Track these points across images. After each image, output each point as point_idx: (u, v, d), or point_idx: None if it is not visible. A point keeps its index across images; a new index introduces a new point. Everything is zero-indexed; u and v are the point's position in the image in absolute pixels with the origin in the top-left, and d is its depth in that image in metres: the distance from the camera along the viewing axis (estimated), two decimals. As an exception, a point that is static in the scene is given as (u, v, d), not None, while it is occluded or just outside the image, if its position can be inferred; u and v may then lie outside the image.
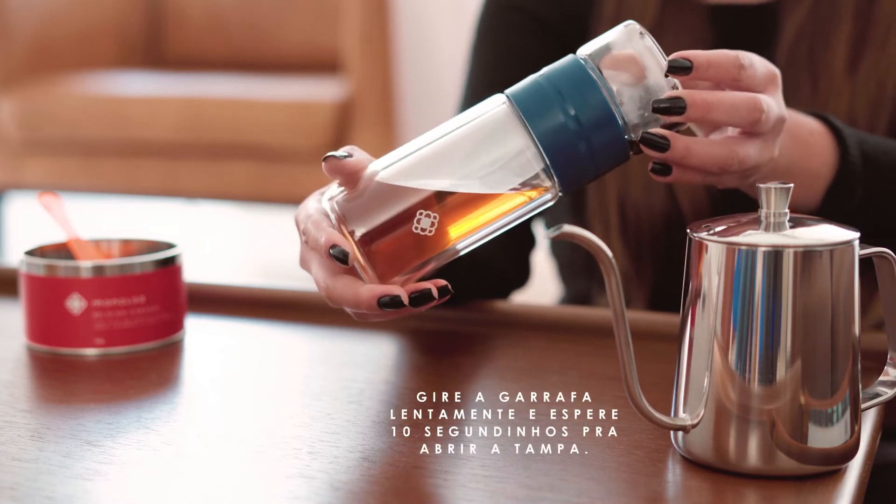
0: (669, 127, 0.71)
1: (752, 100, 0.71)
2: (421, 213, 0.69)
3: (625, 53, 0.70)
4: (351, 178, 0.71)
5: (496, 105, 0.71)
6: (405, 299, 0.69)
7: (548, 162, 0.69)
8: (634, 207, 1.03)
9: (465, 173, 0.70)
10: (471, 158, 0.70)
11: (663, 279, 1.05)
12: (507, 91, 0.71)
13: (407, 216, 0.69)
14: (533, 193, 0.70)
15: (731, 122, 0.71)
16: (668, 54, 0.72)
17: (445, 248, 0.70)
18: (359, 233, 0.70)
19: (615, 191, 1.04)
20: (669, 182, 0.73)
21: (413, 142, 0.72)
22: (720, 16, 1.03)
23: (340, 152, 0.72)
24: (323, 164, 0.72)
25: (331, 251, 0.69)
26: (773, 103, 0.73)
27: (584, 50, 0.71)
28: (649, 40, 0.70)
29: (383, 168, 0.71)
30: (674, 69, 0.69)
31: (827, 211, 0.86)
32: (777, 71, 0.75)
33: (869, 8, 0.99)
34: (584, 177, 0.70)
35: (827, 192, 0.85)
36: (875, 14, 0.99)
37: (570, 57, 0.71)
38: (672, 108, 0.69)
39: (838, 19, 1.00)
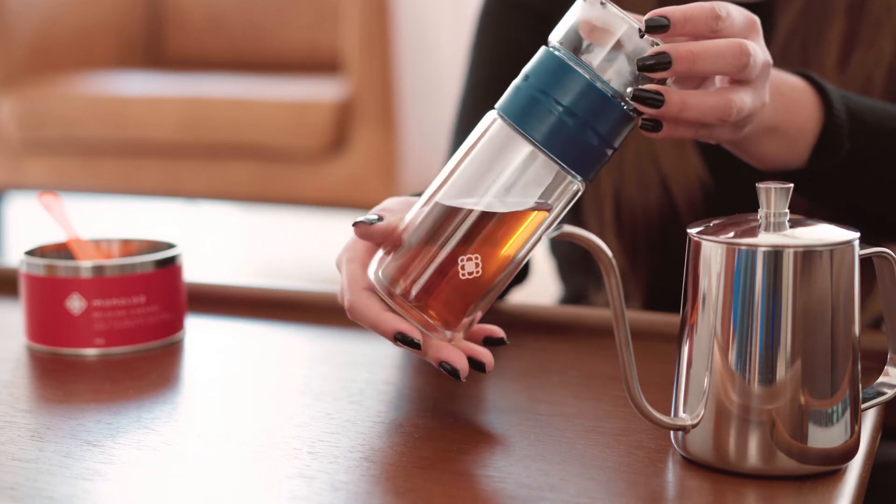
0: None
1: (736, 45, 0.70)
2: (462, 260, 0.70)
3: (594, 26, 0.69)
4: (386, 241, 0.72)
5: (490, 124, 0.71)
6: (463, 373, 0.72)
7: (559, 162, 0.69)
8: (629, 203, 1.04)
9: (486, 203, 0.70)
10: (487, 187, 0.70)
11: (659, 275, 1.05)
12: (497, 105, 0.71)
13: (449, 266, 0.70)
14: (558, 195, 0.70)
15: (718, 69, 0.70)
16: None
17: (498, 277, 0.71)
18: (413, 296, 0.71)
19: (610, 187, 1.04)
20: (660, 138, 0.72)
21: (427, 190, 0.72)
22: None
23: (371, 216, 0.73)
24: (353, 229, 0.73)
25: (396, 337, 0.72)
26: (757, 48, 0.72)
27: (554, 37, 0.70)
28: (612, 7, 0.69)
29: (409, 219, 0.72)
30: (651, 28, 0.69)
31: (816, 167, 0.85)
32: (756, 18, 0.74)
33: (860, 6, 1.00)
34: (600, 159, 0.70)
35: (814, 148, 0.85)
36: (866, 12, 1.00)
37: (542, 50, 0.71)
38: (658, 63, 0.68)
39: (831, 17, 1.00)
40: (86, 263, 0.90)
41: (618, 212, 1.04)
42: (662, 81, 0.70)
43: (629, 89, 0.69)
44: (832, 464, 0.66)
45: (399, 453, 0.70)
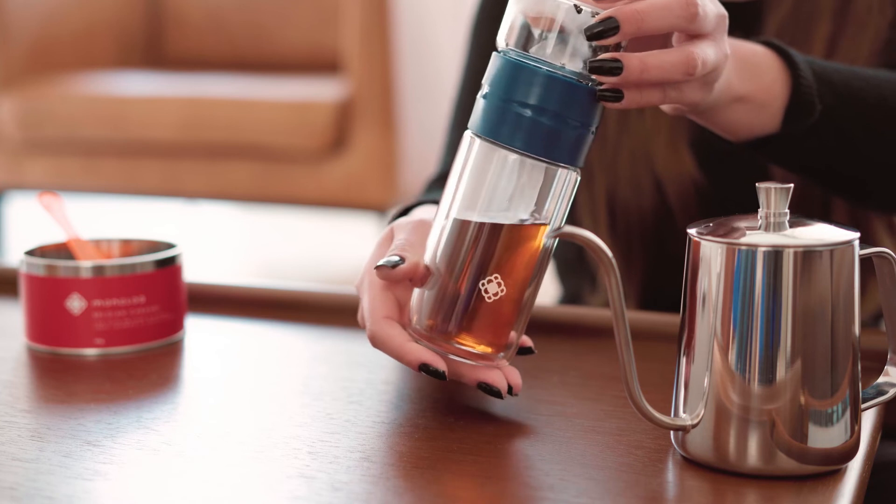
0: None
1: None
2: (483, 284, 0.70)
3: (533, 18, 0.68)
4: (414, 279, 0.72)
5: (470, 145, 0.71)
6: (445, 371, 0.72)
7: (546, 160, 0.69)
8: (623, 204, 1.04)
9: (490, 219, 0.70)
10: (486, 206, 0.70)
11: (654, 274, 1.06)
12: (469, 126, 0.71)
13: (473, 293, 0.71)
14: (557, 190, 0.70)
15: (667, 23, 0.69)
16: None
17: (525, 287, 0.71)
18: (450, 333, 0.71)
19: (603, 188, 1.04)
20: (627, 107, 0.70)
21: (435, 226, 0.72)
22: None
23: (392, 258, 0.73)
24: (375, 273, 0.73)
25: (421, 369, 0.72)
26: (708, 49, 0.71)
27: (500, 40, 0.70)
28: None
29: (427, 259, 0.72)
30: (593, 36, 0.68)
31: (790, 131, 0.84)
32: None
33: (845, 7, 1.00)
34: (584, 142, 0.70)
35: (786, 111, 0.83)
36: (849, 13, 1.00)
37: (493, 57, 0.70)
38: (606, 29, 0.67)
39: (818, 18, 1.00)
40: (86, 263, 0.90)
41: (612, 212, 1.05)
42: (617, 48, 0.69)
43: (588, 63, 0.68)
44: (832, 464, 0.66)
45: (399, 453, 0.70)
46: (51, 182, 2.98)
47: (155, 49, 3.49)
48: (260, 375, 0.87)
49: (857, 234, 0.66)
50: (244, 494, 0.65)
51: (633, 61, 0.68)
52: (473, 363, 0.72)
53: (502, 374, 0.73)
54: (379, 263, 0.73)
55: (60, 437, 0.73)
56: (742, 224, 0.67)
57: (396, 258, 0.73)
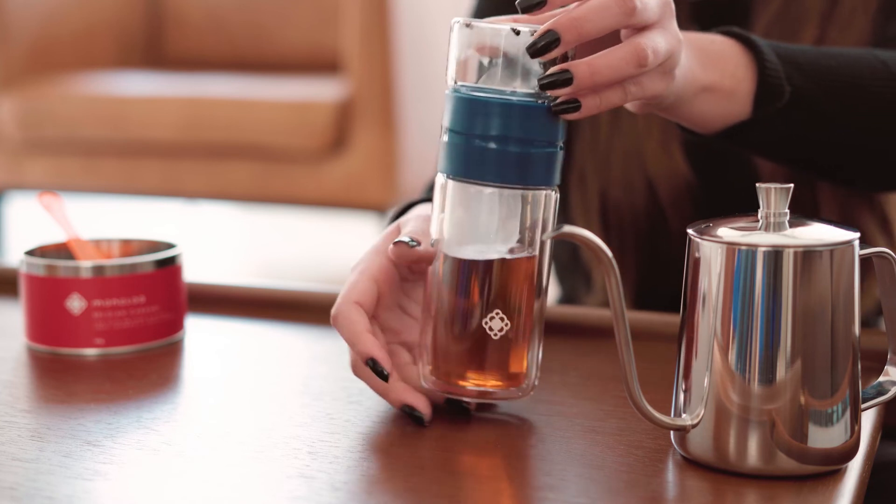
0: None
1: None
2: (486, 323, 0.70)
3: (474, 50, 0.68)
4: (421, 262, 0.73)
5: (444, 186, 0.71)
6: (426, 417, 0.73)
7: (521, 187, 0.69)
8: (616, 205, 1.04)
9: (478, 256, 0.70)
10: (473, 242, 0.70)
11: (647, 274, 1.06)
12: (439, 168, 0.71)
13: (479, 334, 0.71)
14: (539, 211, 0.70)
15: (608, 22, 0.68)
16: None
17: (531, 314, 0.71)
18: (469, 378, 0.71)
19: (596, 190, 1.04)
20: (588, 114, 0.69)
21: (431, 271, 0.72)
22: (699, 11, 1.04)
23: (410, 239, 0.72)
24: (392, 249, 0.73)
25: (367, 363, 0.73)
26: (659, 38, 0.70)
27: (449, 77, 0.70)
28: (478, 23, 0.68)
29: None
30: (526, 8, 0.68)
31: (761, 116, 0.83)
32: None
33: (830, 10, 1.00)
34: (555, 161, 0.69)
35: (755, 96, 0.82)
36: (834, 16, 0.99)
37: (447, 96, 0.70)
38: (548, 43, 0.67)
39: (805, 21, 1.00)
40: (86, 263, 0.90)
41: (604, 213, 1.05)
42: (565, 59, 0.68)
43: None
44: (832, 464, 0.66)
45: (399, 453, 0.70)
46: (51, 182, 2.98)
47: (155, 49, 3.49)
48: (260, 375, 0.87)
49: (857, 234, 0.66)
50: (244, 494, 0.65)
51: (581, 67, 0.67)
52: (492, 402, 0.72)
53: (427, 400, 0.74)
54: (398, 240, 0.73)
55: (60, 437, 0.73)
56: (742, 224, 0.67)
57: (414, 241, 0.72)
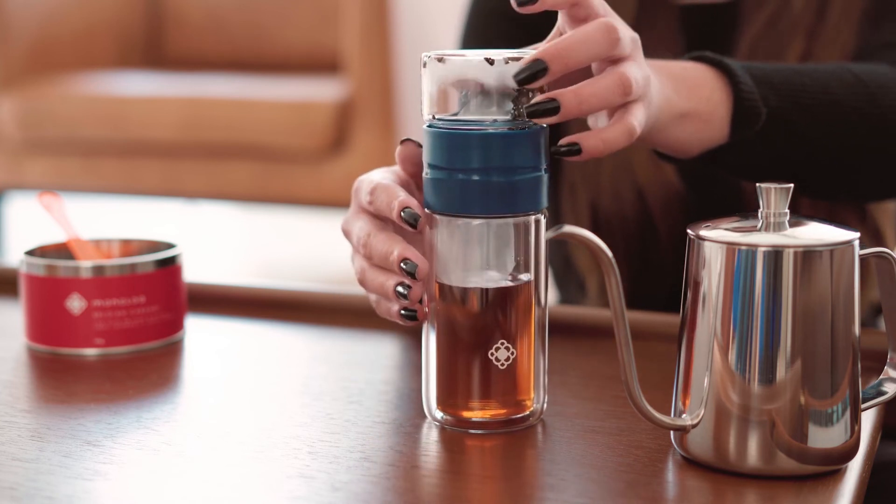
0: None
1: (602, 24, 0.68)
2: (492, 354, 0.70)
3: (449, 83, 0.68)
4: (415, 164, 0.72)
5: (433, 224, 0.70)
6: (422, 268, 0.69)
7: (510, 215, 0.69)
8: (606, 214, 1.04)
9: (475, 285, 0.70)
10: (466, 276, 0.70)
11: (638, 282, 1.06)
12: (426, 207, 0.70)
13: (486, 366, 0.71)
14: (531, 235, 0.70)
15: (593, 53, 0.68)
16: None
17: (535, 338, 0.72)
18: (477, 409, 0.71)
19: (586, 200, 1.05)
20: (586, 159, 0.70)
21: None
22: (689, 15, 1.04)
23: (415, 212, 0.71)
24: (400, 149, 0.72)
25: (402, 214, 0.69)
26: (618, 21, 0.70)
27: (426, 114, 0.69)
28: (450, 56, 0.68)
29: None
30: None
31: (739, 139, 0.83)
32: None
33: (816, 26, 1.00)
34: (541, 185, 0.69)
35: (732, 119, 0.82)
36: (820, 32, 1.00)
37: (424, 132, 0.70)
38: (535, 71, 0.67)
39: (792, 35, 1.00)
40: (86, 263, 0.90)
41: (595, 223, 1.05)
42: (542, 91, 0.68)
43: (522, 109, 0.68)
44: (832, 464, 0.66)
45: (399, 453, 0.70)
46: (51, 182, 2.98)
47: (155, 49, 3.50)
48: (260, 375, 0.87)
49: (857, 234, 0.66)
50: (244, 494, 0.65)
51: (568, 96, 0.68)
52: (504, 431, 0.72)
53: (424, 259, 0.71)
54: (405, 139, 0.72)
55: (60, 437, 0.73)
56: (742, 224, 0.67)
57: (418, 215, 0.70)
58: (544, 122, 0.68)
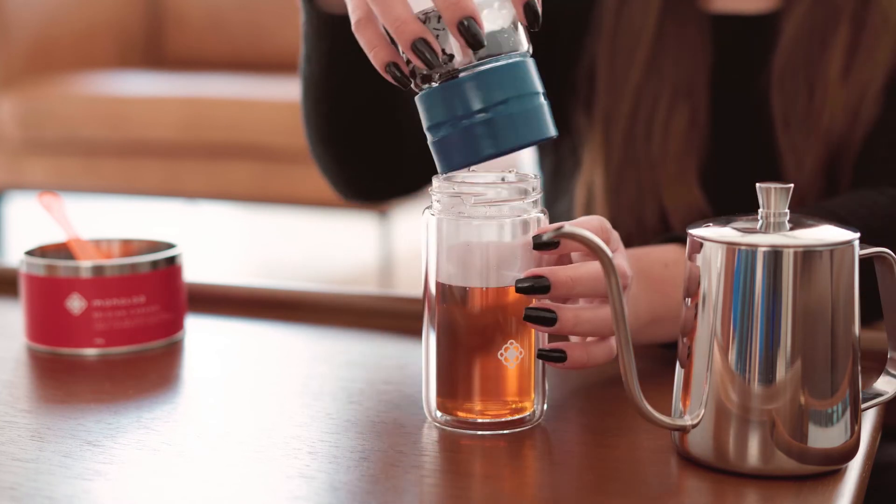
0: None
1: (597, 220, 0.71)
2: (502, 355, 0.70)
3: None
4: None
5: (428, 226, 0.70)
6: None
7: (522, 144, 0.67)
8: (624, 233, 1.04)
9: (481, 283, 0.70)
10: (474, 273, 0.70)
11: None
12: (440, 170, 0.69)
13: (495, 366, 0.71)
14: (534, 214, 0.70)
15: (596, 294, 0.70)
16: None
17: (540, 339, 0.71)
18: (482, 411, 0.71)
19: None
20: (567, 369, 0.72)
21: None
22: (721, 26, 1.03)
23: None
24: None
25: (415, 45, 0.66)
26: (622, 260, 0.72)
27: (413, 85, 0.68)
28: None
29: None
30: (539, 246, 0.67)
31: None
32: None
33: (862, 15, 0.99)
34: (543, 111, 0.68)
35: None
36: (867, 21, 0.99)
37: (416, 100, 0.69)
38: (538, 288, 0.68)
39: (836, 22, 0.99)
40: (86, 263, 0.90)
41: None
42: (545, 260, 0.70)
43: (499, 39, 0.66)
44: (832, 464, 0.66)
45: (399, 453, 0.70)
46: (51, 182, 2.98)
47: (155, 49, 3.50)
48: (260, 375, 0.87)
49: (857, 234, 0.66)
50: (244, 494, 0.65)
51: (567, 314, 0.69)
52: (505, 431, 0.72)
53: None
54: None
55: (60, 437, 0.73)
56: (742, 224, 0.67)
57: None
58: (536, 328, 0.70)
